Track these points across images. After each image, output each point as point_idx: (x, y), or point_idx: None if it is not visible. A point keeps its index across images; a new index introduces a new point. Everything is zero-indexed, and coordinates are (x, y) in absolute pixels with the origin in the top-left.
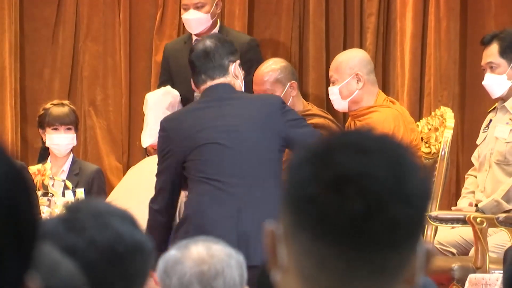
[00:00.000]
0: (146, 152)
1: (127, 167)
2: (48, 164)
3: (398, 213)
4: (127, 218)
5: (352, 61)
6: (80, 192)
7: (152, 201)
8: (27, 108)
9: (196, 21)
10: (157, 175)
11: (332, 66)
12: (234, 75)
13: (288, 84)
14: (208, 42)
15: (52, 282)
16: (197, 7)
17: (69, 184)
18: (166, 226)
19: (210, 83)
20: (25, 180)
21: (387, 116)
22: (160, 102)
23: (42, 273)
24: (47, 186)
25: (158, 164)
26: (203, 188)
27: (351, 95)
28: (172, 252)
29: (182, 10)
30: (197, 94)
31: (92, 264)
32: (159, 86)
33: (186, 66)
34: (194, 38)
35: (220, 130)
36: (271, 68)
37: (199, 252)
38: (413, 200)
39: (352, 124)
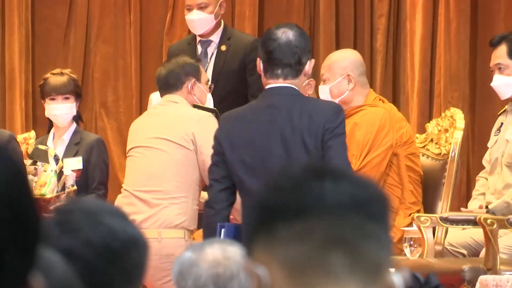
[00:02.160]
0: None
1: None
2: (32, 132)
3: None
4: (118, 214)
5: (345, 62)
6: (78, 161)
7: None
8: (37, 110)
9: (200, 21)
10: (208, 169)
11: (324, 65)
12: (306, 73)
13: (306, 81)
14: (291, 35)
15: (48, 283)
16: (201, 8)
17: (51, 151)
18: (214, 220)
19: (276, 83)
20: (26, 177)
21: (374, 116)
22: None
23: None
24: (32, 155)
25: (211, 156)
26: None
27: (341, 95)
28: (188, 254)
29: (185, 11)
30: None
31: (90, 264)
32: None
33: None
34: (198, 39)
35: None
36: None
37: (215, 254)
38: None
39: None
